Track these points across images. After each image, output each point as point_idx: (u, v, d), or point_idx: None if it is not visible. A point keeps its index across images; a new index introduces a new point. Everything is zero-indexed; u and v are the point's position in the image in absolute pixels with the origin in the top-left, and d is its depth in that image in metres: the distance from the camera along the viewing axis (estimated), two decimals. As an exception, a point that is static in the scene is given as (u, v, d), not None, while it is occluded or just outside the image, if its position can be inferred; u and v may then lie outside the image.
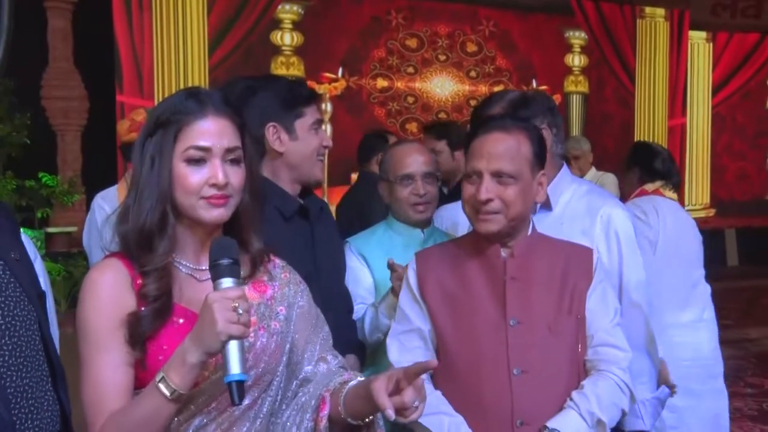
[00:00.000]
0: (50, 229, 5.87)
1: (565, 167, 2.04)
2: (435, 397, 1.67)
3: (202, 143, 1.25)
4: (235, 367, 1.13)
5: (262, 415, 1.32)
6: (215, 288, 1.16)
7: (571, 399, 1.62)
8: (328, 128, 6.96)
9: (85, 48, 6.20)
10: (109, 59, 6.11)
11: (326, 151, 1.91)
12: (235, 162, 1.28)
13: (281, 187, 1.87)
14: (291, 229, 1.80)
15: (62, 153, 6.22)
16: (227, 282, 1.16)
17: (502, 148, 1.65)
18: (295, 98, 1.85)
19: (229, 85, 1.87)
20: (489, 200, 1.63)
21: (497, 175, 1.64)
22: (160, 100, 1.39)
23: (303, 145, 1.85)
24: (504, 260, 1.69)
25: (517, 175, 1.65)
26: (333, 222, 2.10)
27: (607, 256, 1.91)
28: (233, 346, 1.13)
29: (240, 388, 1.13)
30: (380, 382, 1.18)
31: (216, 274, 1.17)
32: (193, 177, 1.25)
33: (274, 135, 1.83)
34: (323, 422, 1.29)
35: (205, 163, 1.26)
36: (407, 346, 1.74)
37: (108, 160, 5.53)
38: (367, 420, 1.27)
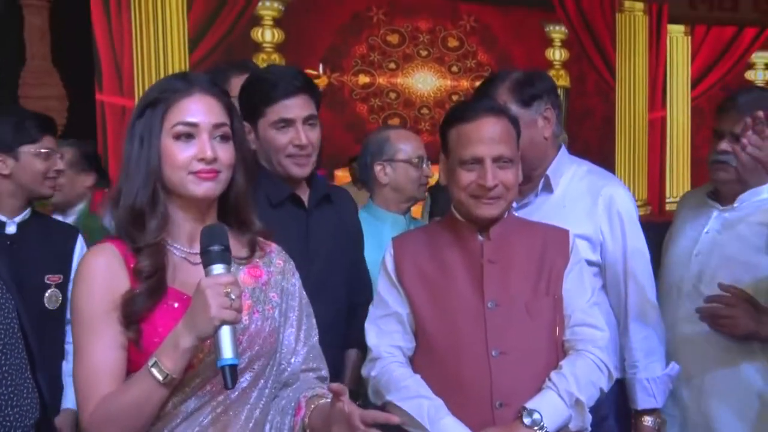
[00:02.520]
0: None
1: (563, 148, 2.05)
2: (414, 381, 1.68)
3: (190, 119, 1.27)
4: (227, 352, 1.14)
5: (261, 403, 1.32)
6: (207, 274, 1.17)
7: (550, 379, 1.64)
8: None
9: (63, 46, 6.12)
10: (87, 57, 6.04)
11: (300, 150, 1.83)
12: (223, 139, 1.29)
13: (273, 174, 1.87)
14: (278, 217, 1.78)
15: (41, 153, 6.15)
16: (218, 268, 1.18)
17: (498, 132, 1.67)
18: (259, 96, 1.82)
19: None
20: (493, 186, 1.64)
21: (498, 160, 1.65)
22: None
23: (267, 143, 1.83)
24: (481, 243, 1.71)
25: (514, 158, 1.68)
26: (344, 211, 2.02)
27: (611, 236, 1.94)
28: (226, 331, 1.14)
29: (233, 372, 1.15)
30: (340, 406, 1.19)
31: (207, 260, 1.18)
32: (181, 153, 1.26)
33: (247, 133, 1.82)
34: (297, 426, 1.31)
35: (193, 139, 1.27)
36: (385, 330, 1.75)
37: (88, 160, 5.46)
38: None
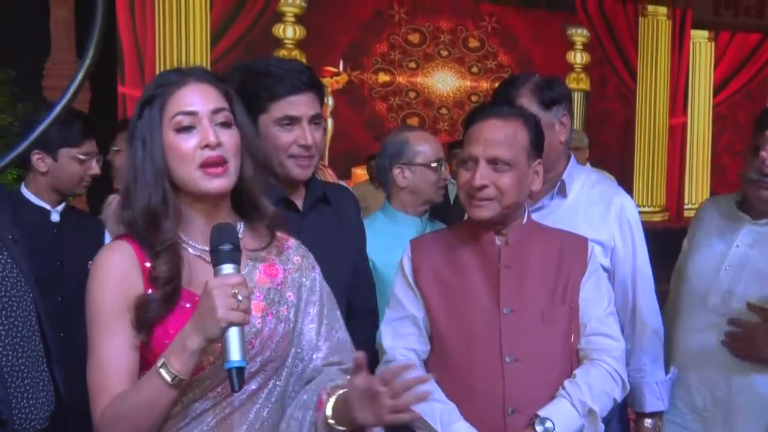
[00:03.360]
0: (52, 219, 5.87)
1: (572, 156, 2.08)
2: (428, 385, 1.68)
3: (187, 108, 1.25)
4: (235, 354, 1.13)
5: (270, 404, 1.31)
6: (215, 274, 1.16)
7: (563, 388, 1.63)
8: (329, 122, 6.96)
9: (87, 38, 6.17)
10: (111, 50, 6.10)
11: (305, 151, 1.70)
12: (225, 125, 1.27)
13: (270, 178, 1.71)
14: None
15: (63, 144, 6.22)
16: (228, 268, 1.16)
17: (499, 135, 1.65)
18: (262, 89, 1.69)
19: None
20: (484, 186, 1.63)
21: (493, 162, 1.63)
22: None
23: (268, 141, 1.69)
24: (498, 248, 1.69)
25: (512, 162, 1.64)
26: (344, 212, 1.91)
27: (622, 243, 1.97)
28: (233, 333, 1.13)
29: (240, 374, 1.13)
30: (357, 382, 1.19)
31: (216, 260, 1.17)
32: (184, 144, 1.24)
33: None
34: (320, 421, 1.28)
35: (195, 129, 1.25)
36: (400, 332, 1.74)
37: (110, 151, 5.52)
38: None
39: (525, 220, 1.74)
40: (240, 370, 1.13)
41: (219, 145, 1.24)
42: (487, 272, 1.68)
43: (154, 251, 1.24)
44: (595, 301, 1.71)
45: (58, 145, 2.29)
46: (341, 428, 1.25)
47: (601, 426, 1.66)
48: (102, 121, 5.93)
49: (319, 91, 1.75)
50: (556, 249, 1.72)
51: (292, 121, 1.69)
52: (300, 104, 1.68)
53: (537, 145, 1.70)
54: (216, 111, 1.26)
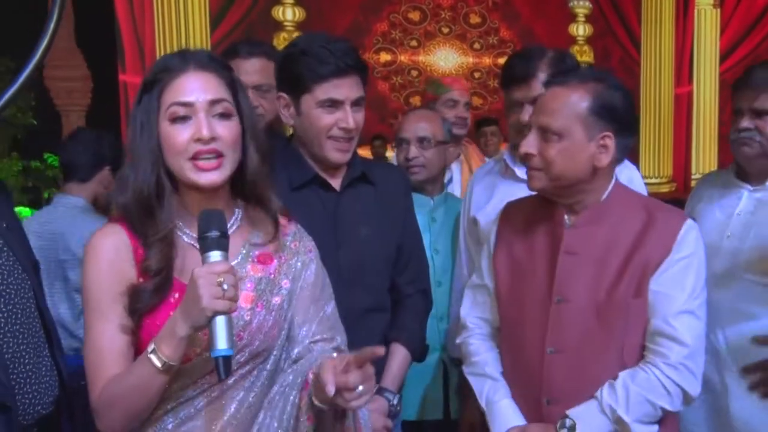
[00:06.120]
0: (57, 210, 5.89)
1: None
2: (484, 358, 1.67)
3: (183, 98, 1.23)
4: (221, 343, 1.12)
5: (257, 388, 1.31)
6: (203, 261, 1.15)
7: (601, 389, 1.54)
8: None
9: (86, 28, 6.16)
10: (110, 38, 6.08)
11: (345, 134, 1.68)
12: (223, 116, 1.25)
13: (303, 155, 1.73)
14: (300, 200, 1.67)
15: (67, 133, 6.23)
16: (215, 256, 1.15)
17: (553, 104, 1.54)
18: (306, 69, 1.65)
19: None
20: (530, 155, 1.55)
21: (542, 131, 1.55)
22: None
23: (309, 121, 1.68)
24: (564, 230, 1.59)
25: (562, 132, 1.52)
26: (388, 191, 1.82)
27: None
28: (220, 321, 1.12)
29: (227, 363, 1.13)
30: (332, 360, 1.16)
31: (203, 247, 1.16)
32: (178, 135, 1.23)
33: (284, 106, 1.71)
34: (304, 401, 1.27)
35: (190, 120, 1.23)
36: (478, 300, 1.73)
37: (113, 140, 5.52)
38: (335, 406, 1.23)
39: (606, 196, 1.59)
40: (227, 358, 1.13)
41: (213, 139, 1.22)
42: (551, 256, 1.59)
43: (147, 241, 1.24)
44: (670, 296, 1.53)
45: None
46: (321, 406, 1.23)
47: (644, 430, 1.53)
48: (104, 109, 5.94)
49: (363, 72, 1.71)
50: (636, 229, 1.55)
51: (334, 104, 1.66)
52: (344, 87, 1.66)
53: (605, 114, 1.53)
54: (214, 102, 1.24)
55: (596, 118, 1.52)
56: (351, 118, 1.66)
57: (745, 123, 1.89)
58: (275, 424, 1.28)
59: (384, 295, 1.79)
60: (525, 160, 1.57)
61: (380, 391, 1.69)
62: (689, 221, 1.57)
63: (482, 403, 1.62)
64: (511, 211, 1.71)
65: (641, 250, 1.53)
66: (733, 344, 1.93)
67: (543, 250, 1.60)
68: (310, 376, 1.27)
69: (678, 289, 1.53)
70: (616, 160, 1.57)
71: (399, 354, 1.77)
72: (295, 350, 1.35)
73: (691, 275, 1.54)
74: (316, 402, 1.24)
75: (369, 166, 1.82)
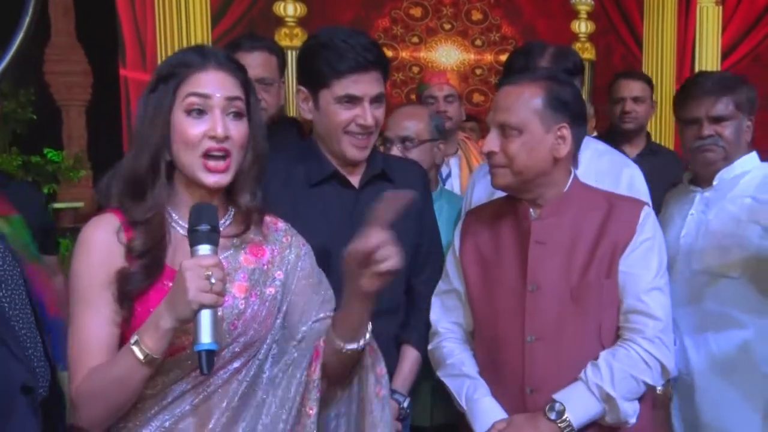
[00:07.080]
0: (57, 205, 5.89)
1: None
2: (460, 359, 1.68)
3: (202, 90, 1.24)
4: (205, 336, 1.12)
5: (248, 379, 1.31)
6: (192, 254, 1.16)
7: (584, 371, 1.59)
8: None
9: (86, 22, 6.15)
10: (111, 33, 6.06)
11: (363, 130, 1.65)
12: (237, 116, 1.27)
13: (322, 150, 1.70)
14: (318, 196, 1.65)
15: (67, 128, 6.21)
16: (204, 249, 1.15)
17: (508, 101, 1.61)
18: (326, 64, 1.63)
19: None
20: (492, 153, 1.59)
21: (502, 128, 1.58)
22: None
23: (327, 116, 1.65)
24: (530, 222, 1.63)
25: (520, 126, 1.58)
26: (406, 189, 1.75)
27: None
28: (205, 315, 1.12)
29: (209, 357, 1.13)
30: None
31: (193, 240, 1.17)
32: (192, 128, 1.24)
33: (303, 100, 1.69)
34: (316, 372, 1.28)
35: (206, 115, 1.25)
36: (447, 306, 1.74)
37: (114, 136, 5.51)
38: (362, 342, 1.27)
39: (567, 188, 1.64)
40: (210, 352, 1.13)
41: (226, 138, 1.24)
42: (519, 248, 1.63)
43: (134, 221, 1.24)
44: (638, 275, 1.60)
45: None
46: (352, 346, 1.26)
47: (627, 410, 1.58)
48: (104, 104, 5.92)
49: (384, 68, 1.68)
50: (601, 215, 1.61)
51: (352, 100, 1.63)
52: (363, 83, 1.63)
53: (559, 107, 1.59)
54: (230, 99, 1.26)
55: (551, 111, 1.59)
56: (369, 115, 1.64)
57: (707, 131, 2.04)
58: (275, 406, 1.28)
59: (399, 297, 1.78)
60: (488, 158, 1.61)
61: (390, 393, 1.67)
62: (647, 207, 1.66)
63: (462, 403, 1.63)
64: (472, 217, 1.75)
65: (607, 234, 1.60)
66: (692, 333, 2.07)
67: (511, 244, 1.64)
68: (321, 344, 1.29)
69: (645, 268, 1.60)
70: (573, 151, 1.65)
71: (410, 356, 1.76)
72: (301, 330, 1.36)
73: (654, 255, 1.62)
74: (341, 344, 1.25)
75: (388, 162, 1.80)
